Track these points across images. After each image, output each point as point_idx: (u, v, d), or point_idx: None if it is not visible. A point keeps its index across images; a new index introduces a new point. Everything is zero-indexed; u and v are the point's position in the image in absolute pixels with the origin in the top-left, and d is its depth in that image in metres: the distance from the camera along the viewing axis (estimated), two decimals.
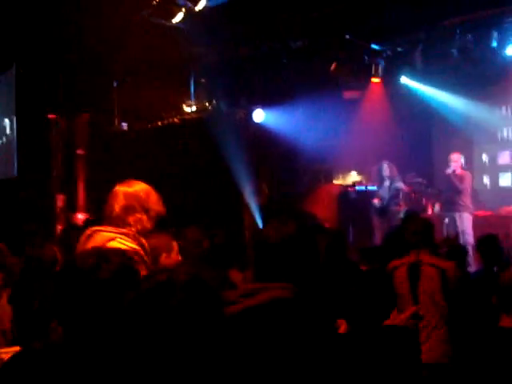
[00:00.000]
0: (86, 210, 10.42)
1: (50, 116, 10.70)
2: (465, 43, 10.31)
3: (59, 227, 10.04)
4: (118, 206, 3.04)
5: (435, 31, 10.34)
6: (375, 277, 4.76)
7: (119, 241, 2.95)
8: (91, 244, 2.92)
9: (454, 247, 6.03)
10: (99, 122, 11.21)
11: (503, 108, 13.08)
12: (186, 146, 10.66)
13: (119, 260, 1.96)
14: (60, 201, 10.53)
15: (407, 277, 4.35)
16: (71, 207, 10.50)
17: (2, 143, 11.94)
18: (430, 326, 4.16)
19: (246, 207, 10.66)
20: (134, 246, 2.97)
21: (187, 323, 1.36)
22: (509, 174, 12.89)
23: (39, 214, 10.51)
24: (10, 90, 11.36)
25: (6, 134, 11.78)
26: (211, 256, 5.10)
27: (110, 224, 3.06)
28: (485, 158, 12.91)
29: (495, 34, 10.07)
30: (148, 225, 3.08)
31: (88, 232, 3.03)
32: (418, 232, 4.47)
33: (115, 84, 10.87)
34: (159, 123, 11.38)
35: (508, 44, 10.27)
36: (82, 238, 3.02)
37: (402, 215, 9.82)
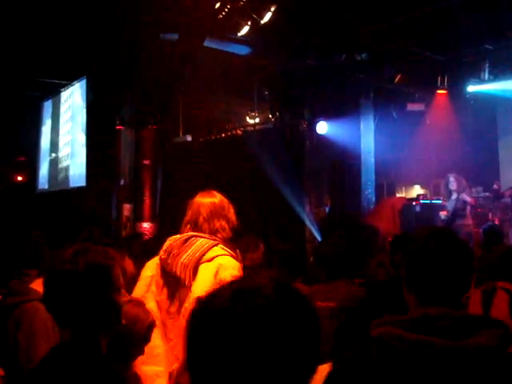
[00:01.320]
0: (152, 220, 10.63)
1: (118, 127, 11.00)
2: None
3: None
4: (205, 212, 3.11)
5: (503, 42, 10.12)
6: None
7: (221, 247, 3.03)
8: (192, 249, 3.00)
9: None
10: (165, 134, 11.45)
11: None
12: (248, 157, 10.75)
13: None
14: (126, 210, 10.78)
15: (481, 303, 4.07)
16: (137, 216, 10.73)
17: (73, 154, 12.36)
18: None
19: (308, 219, 10.66)
20: (231, 251, 3.04)
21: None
22: None
23: (106, 223, 10.82)
24: (81, 101, 11.77)
25: (77, 144, 12.19)
26: (274, 268, 5.13)
27: (195, 230, 3.10)
28: None
29: None
30: (229, 234, 3.14)
31: (182, 237, 3.08)
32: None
33: (181, 95, 11.08)
34: (223, 134, 11.53)
35: None
36: (177, 244, 3.06)
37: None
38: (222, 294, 1.25)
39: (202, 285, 2.86)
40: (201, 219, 3.10)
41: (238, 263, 3.00)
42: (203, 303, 1.27)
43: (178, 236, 3.11)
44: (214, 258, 2.95)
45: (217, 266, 2.93)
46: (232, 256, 3.02)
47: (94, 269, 1.98)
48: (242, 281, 1.34)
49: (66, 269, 1.97)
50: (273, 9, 8.64)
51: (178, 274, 2.98)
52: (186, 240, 3.05)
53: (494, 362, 1.70)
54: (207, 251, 2.98)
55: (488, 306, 4.01)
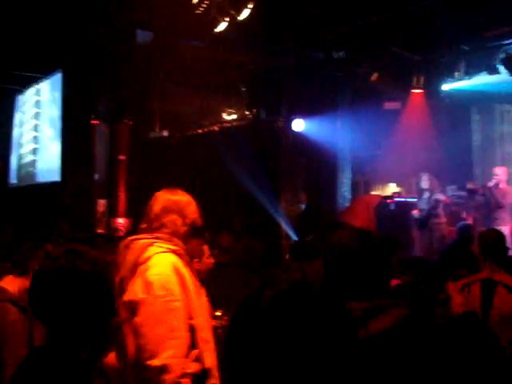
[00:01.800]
0: (127, 215, 10.56)
1: (93, 122, 10.90)
2: (509, 55, 10.18)
3: (100, 231, 10.20)
4: (157, 207, 3.14)
5: (478, 42, 10.23)
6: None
7: (158, 245, 3.02)
8: (130, 254, 3.01)
9: None
10: (140, 129, 11.38)
11: None
12: (225, 153, 10.74)
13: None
14: (101, 206, 10.70)
15: (480, 295, 4.14)
16: (112, 212, 10.65)
17: (41, 148, 12.24)
18: None
19: (284, 217, 10.68)
20: (170, 246, 3.04)
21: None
22: None
23: (80, 218, 10.71)
24: (55, 95, 11.64)
25: (45, 139, 12.07)
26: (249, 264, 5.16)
27: (147, 224, 3.14)
28: None
29: None
30: (181, 229, 3.14)
31: (126, 242, 3.10)
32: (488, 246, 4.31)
33: (157, 91, 11.02)
34: (199, 130, 11.49)
35: None
36: (121, 248, 3.08)
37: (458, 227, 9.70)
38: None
39: (132, 291, 2.87)
40: (152, 213, 3.13)
41: (173, 259, 2.98)
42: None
43: (123, 242, 3.13)
44: (147, 259, 2.95)
45: (146, 268, 2.93)
46: (172, 251, 3.02)
47: (94, 278, 1.95)
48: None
49: (64, 272, 1.93)
50: (250, 6, 8.63)
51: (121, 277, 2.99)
52: (127, 245, 3.07)
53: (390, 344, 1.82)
54: (142, 253, 2.98)
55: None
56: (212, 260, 3.98)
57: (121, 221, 10.40)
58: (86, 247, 2.07)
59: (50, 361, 1.88)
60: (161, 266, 2.90)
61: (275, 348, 1.26)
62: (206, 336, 2.95)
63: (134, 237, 3.11)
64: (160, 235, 3.07)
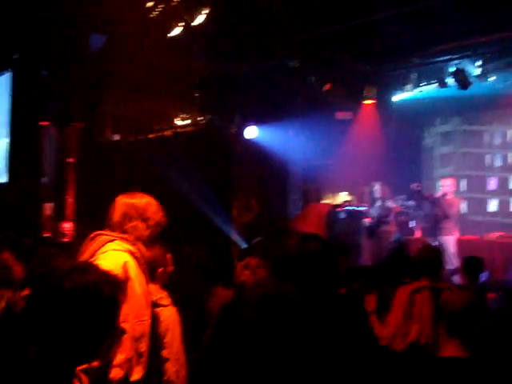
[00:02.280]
0: (74, 220, 10.36)
1: (43, 123, 10.67)
2: (458, 69, 10.45)
3: (45, 235, 9.98)
4: (116, 214, 3.15)
5: (428, 56, 10.47)
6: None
7: (117, 243, 3.05)
8: (93, 246, 3.06)
9: None
10: (91, 132, 11.19)
11: (491, 135, 13.25)
12: (176, 159, 10.66)
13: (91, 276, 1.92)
14: (48, 209, 10.47)
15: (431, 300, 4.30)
16: (59, 216, 10.43)
17: None
18: None
19: (235, 223, 10.66)
20: (131, 248, 3.05)
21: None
22: (496, 201, 13.03)
23: (26, 221, 10.44)
24: (4, 95, 11.36)
25: None
26: (198, 273, 5.15)
27: (109, 232, 3.16)
28: (472, 183, 13.04)
29: (479, 62, 10.31)
30: (145, 233, 3.17)
31: (91, 235, 3.14)
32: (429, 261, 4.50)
33: (110, 94, 10.87)
34: (151, 135, 11.38)
35: (490, 73, 10.52)
36: (86, 241, 3.13)
37: (393, 239, 9.88)
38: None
39: None
40: (113, 221, 3.15)
41: (125, 259, 2.98)
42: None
43: (91, 234, 3.17)
44: (103, 253, 3.00)
45: (94, 259, 2.97)
46: (129, 251, 3.03)
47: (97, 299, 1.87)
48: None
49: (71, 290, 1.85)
50: (205, 11, 8.62)
51: None
52: (93, 238, 3.12)
53: None
54: (102, 246, 3.03)
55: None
56: (172, 268, 3.97)
57: (67, 225, 10.19)
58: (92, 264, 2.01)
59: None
60: (108, 262, 2.88)
61: (263, 358, 1.25)
62: (140, 346, 2.91)
63: (101, 232, 3.14)
64: (125, 236, 3.11)
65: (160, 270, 3.74)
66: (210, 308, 4.59)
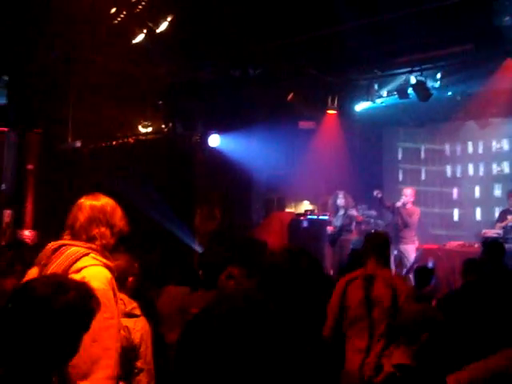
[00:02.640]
0: (33, 227, 10.18)
1: (2, 129, 10.48)
2: (418, 80, 10.63)
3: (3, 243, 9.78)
4: (83, 217, 2.91)
5: (390, 67, 10.62)
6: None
7: (93, 256, 2.82)
8: (61, 258, 2.79)
9: None
10: (52, 138, 11.02)
11: (450, 145, 13.50)
12: (139, 167, 10.58)
13: (76, 293, 1.90)
14: (7, 216, 10.26)
15: (362, 289, 4.46)
16: (18, 223, 10.24)
17: None
18: None
19: (197, 232, 10.62)
20: (104, 260, 2.84)
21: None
22: (456, 210, 13.27)
23: None
24: None
25: None
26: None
27: (73, 236, 2.91)
28: (434, 193, 13.25)
29: (439, 75, 10.53)
30: (111, 240, 2.95)
31: (53, 246, 2.86)
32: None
33: (71, 101, 10.73)
34: (113, 142, 11.27)
35: (450, 85, 10.77)
36: (46, 253, 2.84)
37: (351, 246, 9.97)
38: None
39: None
40: (77, 225, 2.90)
41: (108, 275, 2.79)
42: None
43: (50, 244, 2.89)
44: (81, 268, 2.75)
45: (81, 279, 2.66)
46: (106, 266, 2.83)
47: (72, 312, 1.84)
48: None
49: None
50: (169, 19, 8.60)
51: None
52: (57, 249, 2.84)
53: None
54: (76, 261, 2.77)
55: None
56: (140, 277, 3.91)
57: (27, 233, 10.00)
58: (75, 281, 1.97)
59: None
60: (98, 281, 2.70)
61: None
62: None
63: (65, 242, 2.88)
64: (93, 246, 2.87)
65: (130, 279, 3.64)
66: (160, 306, 4.58)
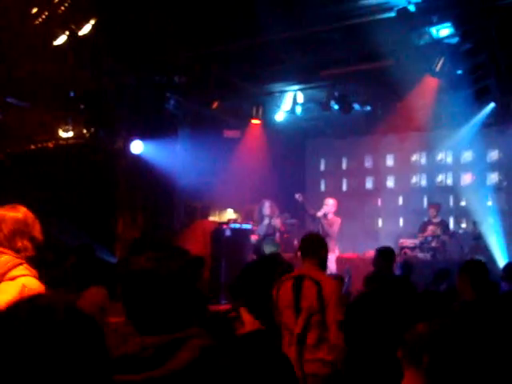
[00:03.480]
0: None
1: None
2: (341, 93, 10.87)
3: None
4: (7, 229, 2.90)
5: (315, 79, 10.80)
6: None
7: (25, 267, 2.84)
8: None
9: None
10: None
11: (371, 157, 13.88)
12: (59, 172, 10.29)
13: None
14: None
15: (292, 289, 4.55)
16: None
17: None
18: None
19: (119, 238, 10.43)
20: (34, 273, 2.87)
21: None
22: (378, 220, 13.64)
23: None
24: None
25: None
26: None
27: None
28: (355, 203, 13.57)
29: (362, 89, 10.85)
30: (32, 253, 2.96)
31: None
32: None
33: None
34: (32, 147, 10.92)
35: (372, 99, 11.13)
36: None
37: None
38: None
39: (5, 302, 2.67)
40: (1, 236, 2.90)
41: (42, 286, 2.83)
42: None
43: None
44: (17, 277, 2.78)
45: (20, 286, 2.76)
46: (35, 277, 2.86)
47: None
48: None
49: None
50: (92, 22, 8.43)
51: None
52: None
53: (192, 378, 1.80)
54: (11, 269, 2.80)
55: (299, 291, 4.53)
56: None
57: None
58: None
59: None
60: (38, 289, 2.75)
61: None
62: None
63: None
64: (21, 257, 2.89)
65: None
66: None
